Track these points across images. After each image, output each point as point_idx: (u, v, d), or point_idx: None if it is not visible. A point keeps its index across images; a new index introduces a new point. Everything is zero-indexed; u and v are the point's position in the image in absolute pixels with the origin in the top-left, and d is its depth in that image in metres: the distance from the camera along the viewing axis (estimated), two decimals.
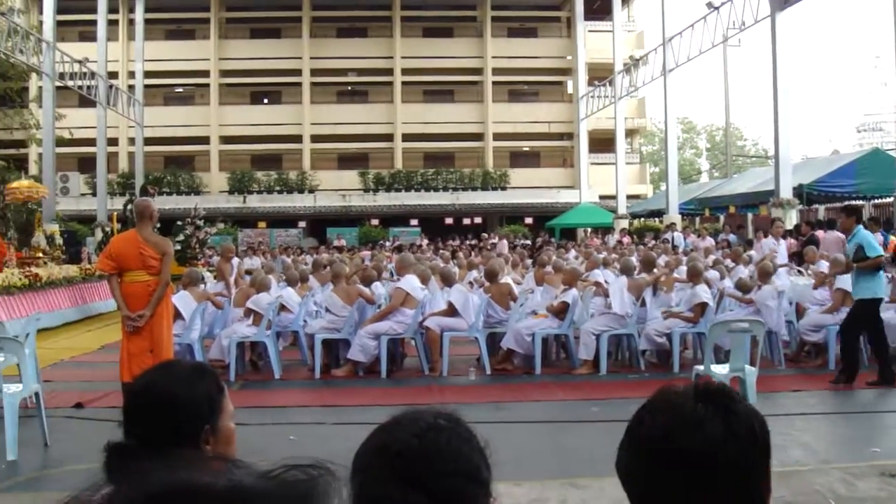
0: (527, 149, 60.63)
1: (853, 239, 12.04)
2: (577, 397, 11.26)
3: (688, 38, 34.33)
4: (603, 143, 55.46)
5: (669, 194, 36.78)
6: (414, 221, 53.63)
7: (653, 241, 31.07)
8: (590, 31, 55.66)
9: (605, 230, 43.58)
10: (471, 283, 16.19)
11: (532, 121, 58.97)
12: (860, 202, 28.99)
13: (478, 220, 54.89)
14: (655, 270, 14.62)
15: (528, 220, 54.34)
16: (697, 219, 42.62)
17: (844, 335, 12.07)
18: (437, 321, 13.05)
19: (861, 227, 12.21)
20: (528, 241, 43.36)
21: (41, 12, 40.17)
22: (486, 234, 44.81)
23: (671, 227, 33.26)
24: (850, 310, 12.20)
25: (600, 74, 52.84)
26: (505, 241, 37.13)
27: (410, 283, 13.26)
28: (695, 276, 13.45)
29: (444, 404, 1.94)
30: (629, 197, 47.74)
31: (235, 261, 18.85)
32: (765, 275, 13.42)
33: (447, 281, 13.86)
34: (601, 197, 52.77)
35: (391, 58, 58.87)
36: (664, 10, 36.54)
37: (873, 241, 12.01)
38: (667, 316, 13.18)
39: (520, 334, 13.11)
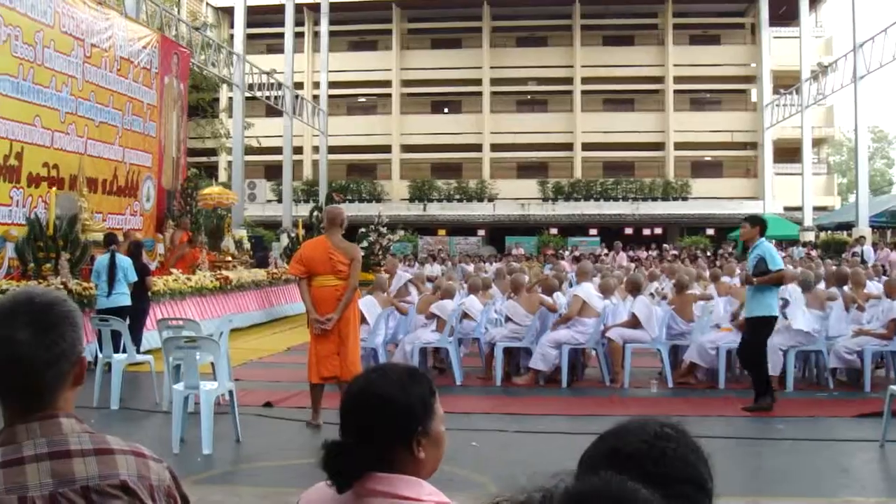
0: (709, 158, 59.46)
1: (754, 251, 11.09)
2: (762, 414, 10.95)
3: (880, 43, 32.95)
4: (788, 152, 53.97)
5: (859, 206, 35.35)
6: (593, 231, 53.27)
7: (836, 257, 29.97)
8: (775, 37, 54.32)
9: (790, 243, 42.34)
10: (651, 294, 15.99)
11: (714, 130, 57.69)
12: None
13: (658, 230, 54.18)
14: (847, 287, 14.06)
15: (710, 232, 53.21)
16: (889, 232, 40.97)
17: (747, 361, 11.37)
18: (619, 332, 12.94)
19: (763, 238, 11.34)
20: (710, 253, 42.52)
21: (231, 27, 41.68)
22: (667, 245, 44.19)
23: (860, 240, 32.01)
24: (743, 334, 11.44)
25: (786, 82, 51.45)
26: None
27: (587, 290, 13.19)
28: (893, 290, 12.86)
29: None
30: (815, 209, 46.18)
31: (408, 272, 19.05)
32: None
33: (636, 288, 13.64)
34: (785, 208, 51.33)
35: (571, 66, 58.66)
36: (855, 14, 35.13)
37: (776, 254, 11.11)
38: (858, 333, 12.69)
39: (703, 348, 12.87)
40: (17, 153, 18.79)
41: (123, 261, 14.11)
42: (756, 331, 10.99)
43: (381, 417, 2.37)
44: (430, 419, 2.43)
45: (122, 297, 13.87)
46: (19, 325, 2.16)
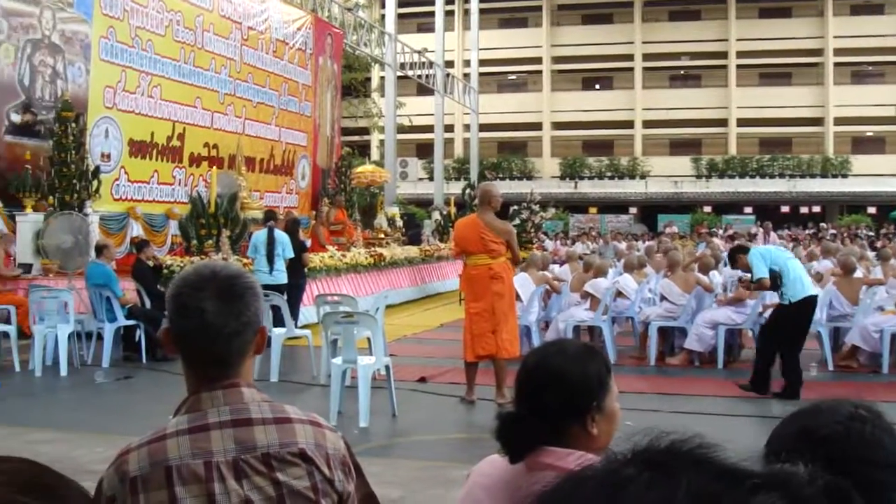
0: (870, 134, 57.23)
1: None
2: None
3: None
4: None
5: None
6: (748, 209, 52.08)
7: None
8: None
9: None
10: (811, 274, 15.53)
11: (877, 104, 55.35)
12: None
13: (816, 209, 52.65)
14: None
15: (871, 210, 51.36)
16: None
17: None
18: None
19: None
20: (872, 233, 41.10)
21: (383, 6, 42.07)
22: (824, 224, 42.90)
23: None
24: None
25: None
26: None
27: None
28: None
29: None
30: None
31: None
32: None
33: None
34: None
35: (725, 40, 57.35)
36: None
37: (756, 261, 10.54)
38: None
39: (867, 330, 12.44)
40: (178, 134, 19.45)
41: (282, 237, 14.33)
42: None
43: (557, 392, 2.38)
44: (604, 395, 2.43)
45: (282, 274, 14.13)
46: (207, 296, 2.24)
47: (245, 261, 14.93)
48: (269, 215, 15.22)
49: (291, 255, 14.54)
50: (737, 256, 11.60)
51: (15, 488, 0.95)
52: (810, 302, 10.49)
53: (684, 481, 0.79)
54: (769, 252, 10.80)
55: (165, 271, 14.53)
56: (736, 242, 18.78)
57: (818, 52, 56.73)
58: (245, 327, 2.26)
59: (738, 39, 56.89)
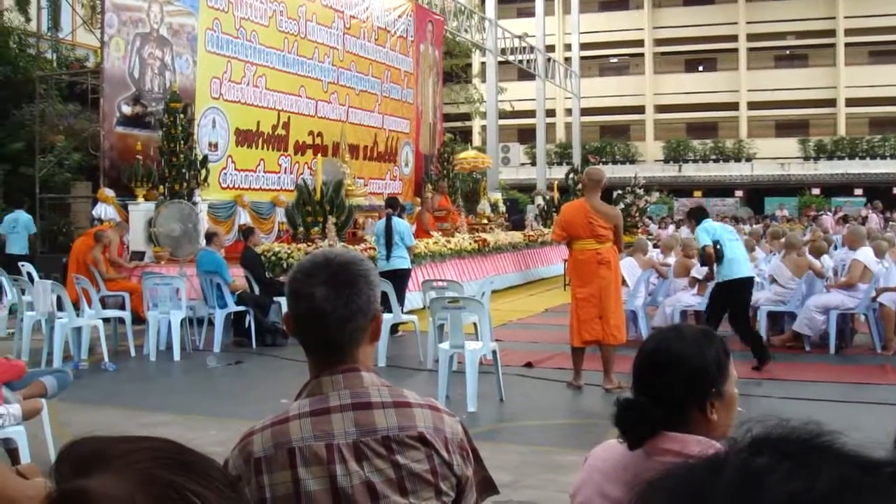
0: None
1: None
2: None
3: None
4: None
5: None
6: (858, 191, 50.79)
7: None
8: None
9: None
10: None
11: None
12: None
13: None
14: None
15: None
16: None
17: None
18: (892, 297, 12.28)
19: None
20: None
21: None
22: None
23: None
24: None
25: None
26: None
27: (867, 255, 12.59)
28: None
29: None
30: None
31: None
32: None
33: None
34: None
35: (833, 18, 55.97)
36: None
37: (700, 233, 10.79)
38: None
39: None
40: (284, 123, 19.71)
41: (400, 224, 14.21)
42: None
43: (676, 377, 2.36)
44: (724, 380, 2.40)
45: (401, 261, 13.97)
46: (318, 283, 2.29)
47: (351, 247, 15.03)
48: (390, 202, 15.17)
49: (412, 242, 14.54)
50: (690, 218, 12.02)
51: (158, 465, 0.97)
52: (742, 283, 10.79)
53: (824, 470, 0.77)
54: (714, 229, 10.90)
55: (273, 258, 14.74)
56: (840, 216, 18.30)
57: None
58: (355, 314, 2.30)
59: (847, 17, 55.46)
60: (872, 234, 15.76)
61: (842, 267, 14.14)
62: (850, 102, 55.38)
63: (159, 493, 0.93)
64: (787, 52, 59.25)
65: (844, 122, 55.52)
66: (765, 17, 56.80)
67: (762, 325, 12.62)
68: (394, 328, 12.71)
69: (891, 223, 29.26)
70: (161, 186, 16.17)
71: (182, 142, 16.18)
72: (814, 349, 12.44)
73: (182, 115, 16.30)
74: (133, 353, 12.34)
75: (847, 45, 55.87)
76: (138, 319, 12.94)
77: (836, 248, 17.65)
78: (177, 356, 12.16)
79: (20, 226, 18.32)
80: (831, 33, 56.19)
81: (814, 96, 55.94)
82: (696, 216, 11.27)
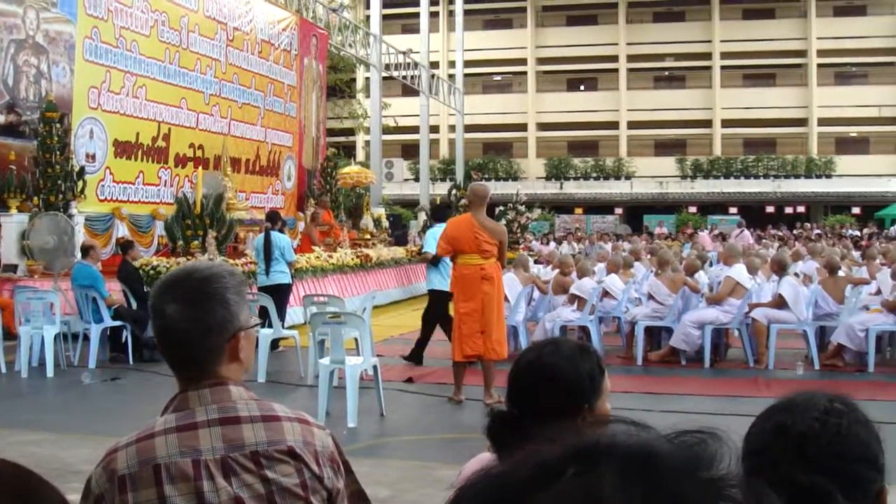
0: (854, 134, 57.42)
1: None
2: None
3: None
4: None
5: None
6: (733, 209, 52.20)
7: None
8: None
9: None
10: (796, 273, 15.57)
11: (861, 104, 55.56)
12: None
13: (801, 209, 52.79)
14: None
15: (856, 210, 51.52)
16: None
17: None
18: (764, 312, 12.63)
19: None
20: (857, 233, 41.22)
21: (367, 7, 41.96)
22: (808, 224, 43.03)
23: None
24: None
25: None
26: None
27: (739, 272, 12.94)
28: None
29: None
30: None
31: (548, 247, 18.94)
32: None
33: (782, 268, 13.24)
34: None
35: (709, 41, 57.51)
36: None
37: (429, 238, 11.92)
38: None
39: (852, 329, 12.46)
40: (164, 135, 19.41)
41: (280, 239, 14.04)
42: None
43: (549, 390, 2.37)
44: (597, 396, 2.42)
45: (281, 276, 13.79)
46: (169, 299, 2.27)
47: (232, 262, 14.85)
48: (270, 217, 14.95)
49: (293, 257, 14.39)
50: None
51: None
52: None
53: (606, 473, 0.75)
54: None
55: (152, 272, 14.48)
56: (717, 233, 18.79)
57: (802, 54, 56.96)
58: (206, 333, 2.25)
59: (722, 41, 57.04)
60: (747, 251, 16.22)
61: (717, 283, 14.49)
62: (726, 123, 56.88)
63: None
64: (666, 73, 60.60)
65: (720, 142, 57.00)
66: (645, 39, 58.02)
67: (639, 341, 12.86)
68: (274, 343, 12.58)
69: (763, 240, 30.12)
70: (35, 198, 15.73)
71: (58, 152, 15.78)
72: (690, 363, 12.70)
73: (58, 125, 15.91)
74: (3, 369, 11.97)
75: (723, 67, 57.43)
76: (9, 335, 12.56)
77: (711, 264, 18.10)
78: (50, 372, 11.82)
79: None
80: (708, 56, 57.70)
81: (691, 117, 57.34)
82: (436, 215, 11.70)
